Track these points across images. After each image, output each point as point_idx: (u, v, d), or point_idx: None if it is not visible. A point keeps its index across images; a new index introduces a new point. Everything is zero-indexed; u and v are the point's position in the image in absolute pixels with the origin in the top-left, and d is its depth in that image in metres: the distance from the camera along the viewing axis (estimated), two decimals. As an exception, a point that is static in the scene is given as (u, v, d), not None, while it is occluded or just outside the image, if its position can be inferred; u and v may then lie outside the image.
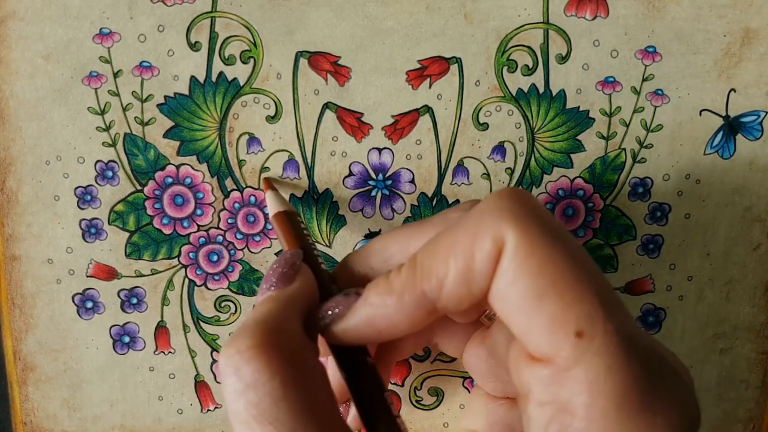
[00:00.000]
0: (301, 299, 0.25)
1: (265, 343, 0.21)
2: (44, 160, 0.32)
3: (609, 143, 0.32)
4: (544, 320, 0.20)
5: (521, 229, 0.21)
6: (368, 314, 0.23)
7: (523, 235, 0.21)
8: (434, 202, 0.33)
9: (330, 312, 0.24)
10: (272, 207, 0.30)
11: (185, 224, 0.33)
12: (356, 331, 0.24)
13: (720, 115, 0.32)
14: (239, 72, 0.32)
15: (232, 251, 0.34)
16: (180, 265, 0.34)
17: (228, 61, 0.32)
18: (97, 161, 0.33)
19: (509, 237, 0.21)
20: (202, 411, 0.35)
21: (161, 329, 0.34)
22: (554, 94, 0.32)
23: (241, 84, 0.32)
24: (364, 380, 0.25)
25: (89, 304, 0.34)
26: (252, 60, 0.32)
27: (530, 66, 0.32)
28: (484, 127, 0.32)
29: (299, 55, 0.32)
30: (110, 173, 0.33)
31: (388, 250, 0.26)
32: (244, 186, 0.33)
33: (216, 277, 0.34)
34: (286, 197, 0.33)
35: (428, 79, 0.32)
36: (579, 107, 0.32)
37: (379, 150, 0.33)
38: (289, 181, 0.33)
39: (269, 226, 0.33)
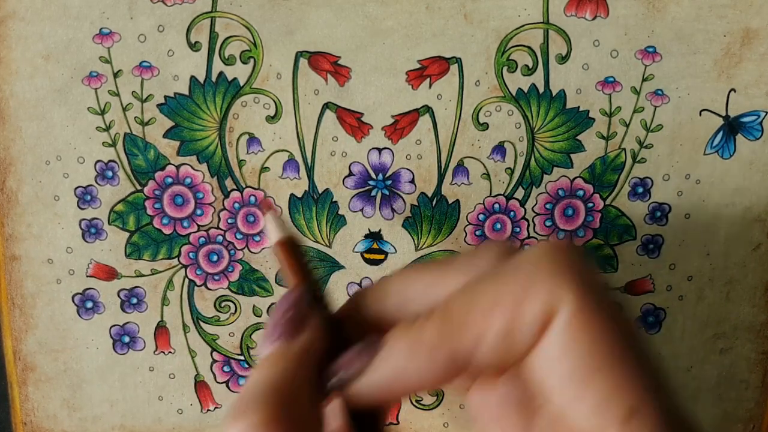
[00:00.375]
0: (311, 352, 0.22)
1: (277, 418, 0.19)
2: (44, 160, 0.32)
3: (609, 143, 0.32)
4: (590, 401, 0.19)
5: (580, 298, 0.19)
6: (393, 370, 0.21)
7: (581, 306, 0.19)
8: (434, 202, 0.33)
9: (347, 368, 0.22)
10: (274, 232, 0.26)
11: (185, 224, 0.33)
12: (380, 388, 0.21)
13: (720, 115, 0.32)
14: (239, 72, 0.32)
15: (232, 251, 0.34)
16: (180, 265, 0.34)
17: (228, 61, 0.32)
18: (97, 161, 0.33)
19: (565, 305, 0.19)
20: (202, 411, 0.35)
21: (161, 329, 0.34)
22: (554, 94, 0.32)
23: (241, 84, 0.32)
24: None
25: (89, 304, 0.34)
26: (252, 60, 0.32)
27: (530, 66, 0.32)
28: (484, 127, 0.32)
29: (299, 55, 0.32)
30: (110, 173, 0.33)
31: (408, 292, 0.23)
32: (244, 186, 0.33)
33: (216, 277, 0.34)
34: (285, 205, 0.33)
35: (428, 79, 0.32)
36: (579, 107, 0.32)
37: (379, 150, 0.33)
38: (289, 180, 0.33)
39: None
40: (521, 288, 0.19)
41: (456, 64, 0.32)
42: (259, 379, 0.21)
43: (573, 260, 0.20)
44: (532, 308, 0.19)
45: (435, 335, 0.20)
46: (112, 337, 0.34)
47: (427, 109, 0.32)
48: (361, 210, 0.33)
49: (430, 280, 0.23)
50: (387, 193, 0.33)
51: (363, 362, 0.21)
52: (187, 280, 0.34)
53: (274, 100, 0.32)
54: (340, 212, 0.33)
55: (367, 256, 0.34)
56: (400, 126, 0.32)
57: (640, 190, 0.33)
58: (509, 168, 0.33)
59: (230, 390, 0.35)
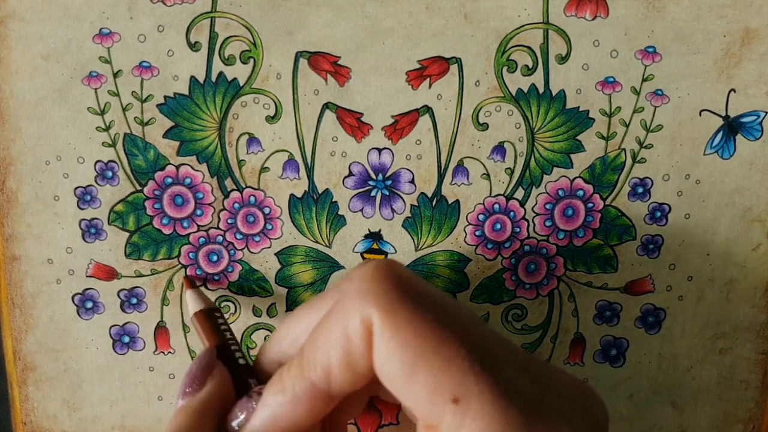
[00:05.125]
0: (214, 404, 0.25)
1: None
2: (44, 160, 0.32)
3: (609, 143, 0.32)
4: (422, 391, 0.21)
5: (383, 308, 0.21)
6: (268, 416, 0.24)
7: (386, 314, 0.21)
8: (434, 202, 0.33)
9: (236, 418, 0.25)
10: (191, 306, 0.31)
11: (185, 224, 0.33)
12: None
13: (720, 115, 0.32)
14: (239, 72, 0.32)
15: (232, 251, 0.34)
16: (180, 265, 0.34)
17: (228, 61, 0.32)
18: (97, 161, 0.33)
19: (374, 318, 0.21)
20: (202, 411, 0.35)
21: (161, 329, 0.34)
22: (554, 94, 0.32)
23: (241, 84, 0.32)
24: None
25: (89, 304, 0.34)
26: (252, 60, 0.32)
27: (530, 66, 0.32)
28: (484, 127, 0.32)
29: (299, 55, 0.32)
30: (110, 173, 0.33)
31: (295, 332, 0.26)
32: (243, 186, 0.33)
33: (216, 277, 0.34)
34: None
35: (428, 79, 0.32)
36: (579, 107, 0.32)
37: (379, 150, 0.33)
38: (289, 181, 0.33)
39: (269, 226, 0.33)
40: (344, 316, 0.22)
41: (456, 64, 0.32)
42: None
43: (376, 278, 0.22)
44: (354, 329, 0.22)
45: (294, 376, 0.23)
46: (112, 337, 0.34)
47: (427, 109, 0.32)
48: (361, 210, 0.33)
49: (308, 317, 0.26)
50: (387, 193, 0.33)
51: (249, 411, 0.24)
52: (187, 281, 0.34)
53: (274, 100, 0.32)
54: (339, 212, 0.33)
55: (367, 256, 0.34)
56: (400, 126, 0.32)
57: (640, 190, 0.33)
58: (509, 168, 0.33)
59: (230, 390, 0.35)
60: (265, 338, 0.35)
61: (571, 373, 0.24)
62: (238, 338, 0.34)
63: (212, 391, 0.26)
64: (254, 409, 0.24)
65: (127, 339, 0.34)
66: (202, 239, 0.33)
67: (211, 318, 0.30)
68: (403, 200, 0.33)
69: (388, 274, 0.23)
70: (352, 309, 0.22)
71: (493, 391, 0.21)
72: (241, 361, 0.28)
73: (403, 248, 0.33)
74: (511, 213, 0.33)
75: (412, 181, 0.33)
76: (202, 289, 0.34)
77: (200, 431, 0.24)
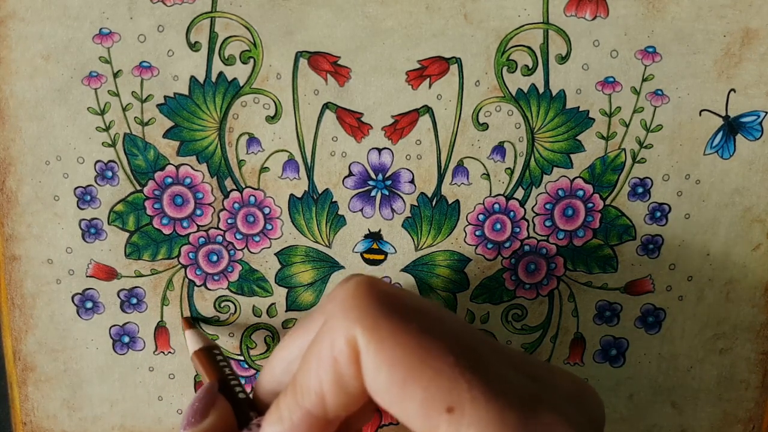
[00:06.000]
0: None
1: None
2: (44, 160, 0.32)
3: (609, 143, 0.32)
4: (414, 405, 0.21)
5: (366, 326, 0.21)
6: None
7: (369, 331, 0.21)
8: (434, 202, 0.33)
9: None
10: (191, 346, 0.31)
11: (185, 224, 0.33)
12: None
13: (720, 115, 0.32)
14: (239, 72, 0.32)
15: (232, 251, 0.34)
16: (180, 265, 0.34)
17: (228, 61, 0.32)
18: (97, 161, 0.33)
19: (358, 337, 0.21)
20: (202, 411, 0.35)
21: (161, 329, 0.34)
22: (554, 94, 0.32)
23: (241, 84, 0.32)
24: None
25: (89, 304, 0.34)
26: (252, 60, 0.32)
27: (530, 66, 0.32)
28: (484, 127, 0.32)
29: (299, 55, 0.32)
30: (110, 173, 0.33)
31: (287, 358, 0.26)
32: (243, 186, 0.33)
33: (216, 277, 0.34)
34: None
35: (428, 79, 0.32)
36: (579, 107, 0.32)
37: (379, 150, 0.33)
38: (289, 181, 0.33)
39: (269, 226, 0.33)
40: (328, 336, 0.22)
41: (456, 64, 0.32)
42: None
43: (357, 296, 0.22)
44: (340, 350, 0.22)
45: (290, 404, 0.23)
46: (111, 337, 0.34)
47: (427, 110, 0.32)
48: (361, 210, 0.33)
49: (300, 341, 0.26)
50: (387, 193, 0.33)
51: None
52: (186, 280, 0.34)
53: (273, 100, 0.32)
54: (339, 212, 0.33)
55: (366, 256, 0.34)
56: (400, 126, 0.32)
57: (640, 190, 0.33)
58: (509, 168, 0.33)
59: (230, 390, 0.35)
60: (265, 338, 0.35)
61: (565, 369, 0.24)
62: (238, 338, 0.34)
63: (215, 422, 0.26)
64: None
65: (127, 339, 0.34)
66: (202, 239, 0.33)
67: (210, 355, 0.30)
68: (403, 200, 0.33)
69: (369, 291, 0.22)
70: (336, 329, 0.22)
71: (486, 395, 0.20)
72: (241, 395, 0.28)
73: (403, 248, 0.33)
74: (511, 213, 0.33)
75: (412, 181, 0.33)
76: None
77: None
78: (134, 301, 0.34)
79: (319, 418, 0.23)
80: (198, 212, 0.33)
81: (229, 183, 0.33)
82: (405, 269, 0.34)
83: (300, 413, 0.23)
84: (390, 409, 0.22)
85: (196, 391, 0.35)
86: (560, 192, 0.33)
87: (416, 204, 0.33)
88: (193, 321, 0.34)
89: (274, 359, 0.27)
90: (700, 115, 0.32)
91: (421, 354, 0.21)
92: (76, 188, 0.33)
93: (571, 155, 0.33)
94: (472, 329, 0.23)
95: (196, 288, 0.34)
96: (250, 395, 0.28)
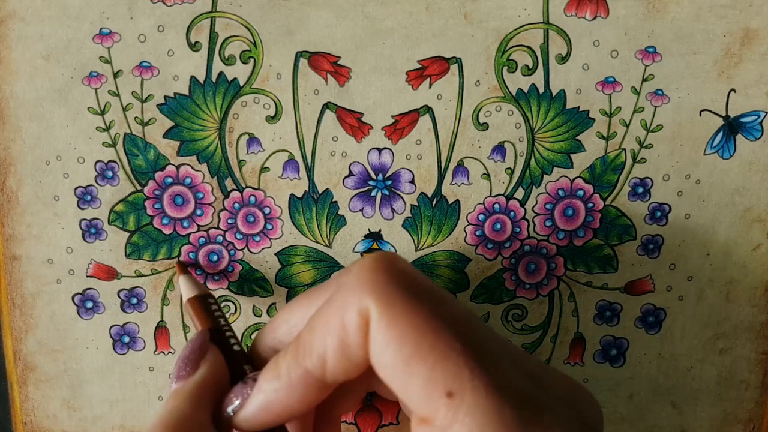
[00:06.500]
0: (208, 388, 0.25)
1: None
2: (44, 160, 0.32)
3: (609, 143, 0.32)
4: (417, 384, 0.21)
5: (381, 300, 0.22)
6: (262, 401, 0.24)
7: (384, 305, 0.21)
8: (434, 202, 0.33)
9: (231, 404, 0.25)
10: (185, 293, 0.31)
11: (185, 224, 0.33)
12: (256, 419, 0.24)
13: (720, 115, 0.32)
14: (239, 72, 0.32)
15: (232, 251, 0.34)
16: (180, 265, 0.34)
17: (228, 61, 0.32)
18: (97, 161, 0.33)
19: (372, 309, 0.22)
20: (202, 411, 0.35)
21: (161, 329, 0.34)
22: (554, 94, 0.32)
23: (241, 84, 0.32)
24: None
25: (89, 304, 0.34)
26: (252, 60, 0.32)
27: (530, 66, 0.32)
28: (484, 127, 0.32)
29: (299, 55, 0.32)
30: (110, 173, 0.33)
31: (292, 320, 0.27)
32: (243, 186, 0.33)
33: (216, 277, 0.34)
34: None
35: (428, 79, 0.32)
36: (579, 107, 0.32)
37: (379, 150, 0.33)
38: (289, 181, 0.33)
39: (269, 226, 0.33)
40: (341, 306, 0.22)
41: (456, 64, 0.32)
42: (158, 416, 0.24)
43: (376, 269, 0.23)
44: (352, 319, 0.22)
45: (290, 362, 0.23)
46: (112, 337, 0.34)
47: (427, 109, 0.32)
48: (361, 210, 0.33)
49: (307, 306, 0.26)
50: (387, 193, 0.33)
51: (244, 397, 0.24)
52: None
53: (274, 100, 0.32)
54: (340, 212, 0.33)
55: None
56: (400, 126, 0.32)
57: (640, 190, 0.33)
58: (509, 168, 0.33)
59: (230, 390, 0.35)
60: (265, 338, 0.35)
61: (563, 372, 0.24)
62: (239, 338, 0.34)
63: (206, 374, 0.26)
64: (249, 395, 0.24)
65: (127, 339, 0.34)
66: (202, 239, 0.33)
67: (204, 303, 0.30)
68: (403, 200, 0.33)
69: (388, 267, 0.23)
70: (350, 299, 0.22)
71: (487, 386, 0.21)
72: (235, 347, 0.28)
73: (403, 248, 0.33)
74: (512, 213, 0.33)
75: (412, 181, 0.33)
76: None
77: (195, 415, 0.24)
78: (134, 301, 0.34)
79: (317, 380, 0.23)
80: (198, 212, 0.33)
81: (229, 183, 0.33)
82: (405, 269, 0.34)
83: (299, 372, 0.23)
84: (391, 385, 0.22)
85: (196, 391, 0.35)
86: (560, 192, 0.33)
87: (416, 204, 0.33)
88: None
89: (278, 319, 0.27)
90: (700, 115, 0.32)
91: (431, 335, 0.21)
92: (76, 188, 0.33)
93: (572, 155, 0.33)
94: (480, 322, 0.24)
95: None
96: (245, 349, 0.28)
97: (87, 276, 0.34)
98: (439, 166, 0.33)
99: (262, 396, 0.24)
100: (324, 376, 0.23)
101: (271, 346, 0.27)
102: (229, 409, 0.25)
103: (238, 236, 0.33)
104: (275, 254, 0.34)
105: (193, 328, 0.30)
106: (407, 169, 0.33)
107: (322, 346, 0.23)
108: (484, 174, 0.33)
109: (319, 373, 0.23)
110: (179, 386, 0.25)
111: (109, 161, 0.33)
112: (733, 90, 0.32)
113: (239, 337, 0.34)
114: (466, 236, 0.33)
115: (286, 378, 0.23)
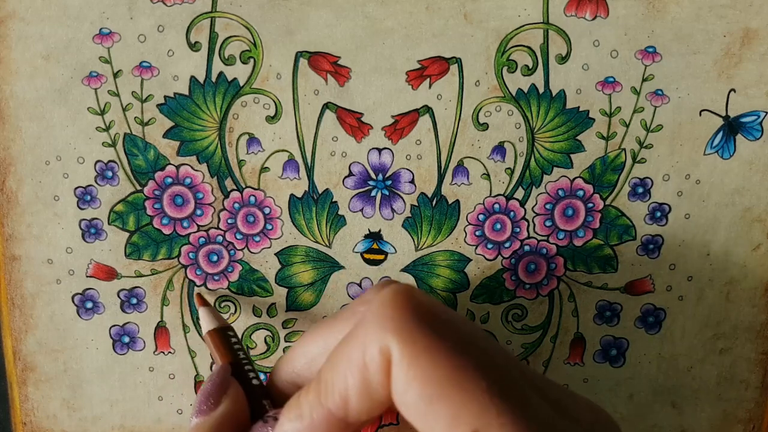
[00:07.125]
0: (228, 423, 0.25)
1: None
2: (44, 160, 0.32)
3: (609, 143, 0.32)
4: (441, 424, 0.20)
5: (402, 338, 0.21)
6: None
7: (405, 343, 0.21)
8: (434, 202, 0.33)
9: None
10: (204, 325, 0.31)
11: (185, 224, 0.33)
12: None
13: (720, 116, 0.32)
14: (239, 72, 0.32)
15: (232, 251, 0.34)
16: (180, 266, 0.34)
17: (228, 61, 0.32)
18: (97, 161, 0.33)
19: (393, 348, 0.21)
20: (202, 411, 0.35)
21: (161, 329, 0.34)
22: (554, 94, 0.32)
23: (241, 84, 0.32)
24: None
25: (89, 305, 0.34)
26: (252, 60, 0.32)
27: (530, 66, 0.32)
28: (484, 127, 0.32)
29: (299, 55, 0.32)
30: (110, 173, 0.33)
31: (310, 352, 0.26)
32: (243, 186, 0.33)
33: (216, 278, 0.34)
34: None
35: (428, 79, 0.32)
36: (579, 107, 0.32)
37: (379, 150, 0.33)
38: (289, 181, 0.33)
39: (269, 226, 0.33)
40: (362, 343, 0.22)
41: (456, 64, 0.32)
42: None
43: (396, 306, 0.22)
44: (373, 357, 0.21)
45: (312, 402, 0.23)
46: (111, 338, 0.34)
47: (427, 109, 0.32)
48: (361, 210, 0.33)
49: (325, 338, 0.26)
50: (387, 193, 0.33)
51: None
52: (186, 281, 0.34)
53: (274, 101, 0.32)
54: (340, 212, 0.33)
55: (367, 256, 0.34)
56: (400, 126, 0.32)
57: (640, 190, 0.33)
58: (509, 168, 0.33)
59: (230, 390, 0.35)
60: (265, 338, 0.35)
61: (584, 396, 0.24)
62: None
63: (228, 409, 0.26)
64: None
65: (127, 339, 0.34)
66: (202, 239, 0.33)
67: (224, 337, 0.30)
68: (403, 200, 0.33)
69: (408, 301, 0.22)
70: (370, 336, 0.21)
71: (515, 423, 0.20)
72: (254, 381, 0.28)
73: (403, 248, 0.33)
74: (511, 213, 0.33)
75: (412, 181, 0.33)
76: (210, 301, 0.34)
77: None
78: (134, 301, 0.34)
79: (339, 420, 0.23)
80: (198, 212, 0.33)
81: (229, 183, 0.33)
82: (405, 269, 0.34)
83: (321, 412, 0.23)
84: (414, 423, 0.21)
85: (196, 392, 0.35)
86: (560, 192, 0.33)
87: (416, 204, 0.33)
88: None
89: (296, 351, 0.27)
90: (700, 115, 0.32)
91: (454, 374, 0.21)
92: (76, 188, 0.33)
93: (571, 155, 0.33)
94: (500, 348, 0.23)
95: (196, 288, 0.34)
96: (264, 382, 0.28)
97: (87, 276, 0.34)
98: (439, 166, 0.33)
99: None
100: (347, 416, 0.23)
101: (290, 380, 0.27)
102: None
103: (238, 236, 0.33)
104: (275, 254, 0.34)
105: (215, 359, 0.30)
106: (407, 169, 0.33)
107: (343, 385, 0.22)
108: (484, 174, 0.33)
109: (342, 413, 0.23)
110: (200, 421, 0.25)
111: (109, 161, 0.33)
112: (733, 90, 0.32)
113: (239, 337, 0.34)
114: (466, 236, 0.33)
115: (308, 419, 0.23)
